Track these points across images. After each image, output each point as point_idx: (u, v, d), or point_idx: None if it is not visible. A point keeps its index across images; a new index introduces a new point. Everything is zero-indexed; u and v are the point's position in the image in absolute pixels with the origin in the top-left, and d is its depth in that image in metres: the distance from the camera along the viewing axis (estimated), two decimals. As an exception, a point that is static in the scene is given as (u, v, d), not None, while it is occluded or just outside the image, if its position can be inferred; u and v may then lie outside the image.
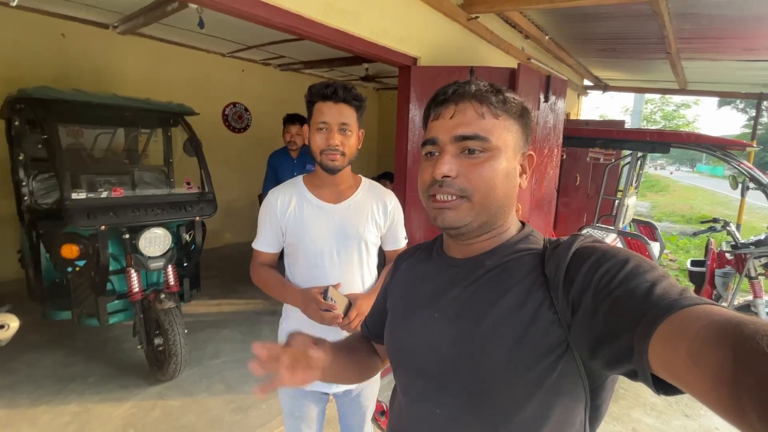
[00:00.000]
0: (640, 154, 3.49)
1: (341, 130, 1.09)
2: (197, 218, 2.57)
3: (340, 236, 1.14)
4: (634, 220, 4.26)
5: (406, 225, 1.34)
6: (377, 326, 0.75)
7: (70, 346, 2.82)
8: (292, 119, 3.00)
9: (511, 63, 3.06)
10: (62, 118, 2.58)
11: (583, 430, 0.53)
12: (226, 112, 5.62)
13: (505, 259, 0.57)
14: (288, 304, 1.21)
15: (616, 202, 4.14)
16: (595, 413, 0.54)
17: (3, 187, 3.59)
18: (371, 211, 1.19)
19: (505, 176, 0.56)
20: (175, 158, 3.37)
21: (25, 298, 3.01)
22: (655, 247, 3.63)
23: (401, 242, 1.29)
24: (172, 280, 2.50)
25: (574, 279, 0.48)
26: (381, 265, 1.29)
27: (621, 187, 4.18)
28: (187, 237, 2.63)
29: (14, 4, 3.58)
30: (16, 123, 2.60)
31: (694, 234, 3.44)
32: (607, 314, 0.43)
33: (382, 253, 1.32)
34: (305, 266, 1.16)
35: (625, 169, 4.08)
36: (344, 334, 1.14)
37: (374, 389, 1.30)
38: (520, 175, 0.59)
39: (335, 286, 1.11)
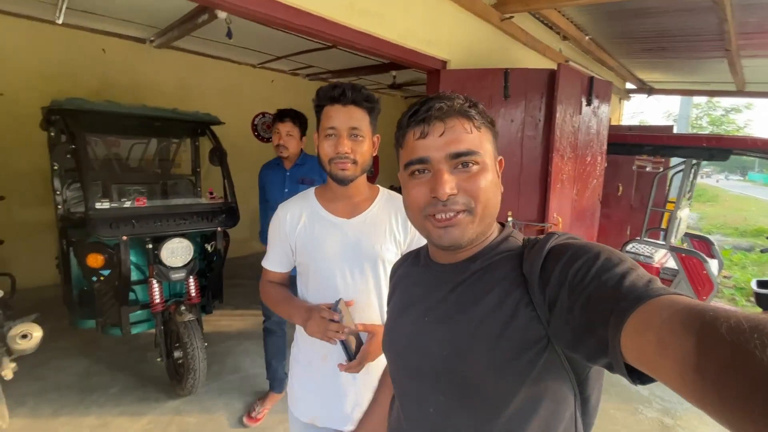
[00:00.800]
0: (694, 161, 3.17)
1: (351, 135, 0.97)
2: (219, 229, 2.52)
3: (354, 254, 1.02)
4: (687, 234, 3.88)
5: None
6: None
7: (95, 354, 2.83)
8: (281, 115, 2.21)
9: (547, 65, 2.86)
10: (91, 128, 2.63)
11: (573, 423, 0.54)
12: (256, 122, 5.69)
13: (488, 261, 0.59)
14: (298, 331, 1.10)
15: (666, 214, 3.79)
16: (585, 407, 0.55)
17: (47, 195, 3.75)
18: (389, 226, 1.05)
19: (495, 185, 0.59)
20: (203, 168, 3.38)
21: (60, 305, 3.07)
22: (713, 265, 3.26)
23: None
24: (193, 292, 2.46)
25: (549, 276, 0.50)
26: None
27: (671, 198, 3.83)
28: (209, 248, 2.59)
29: (60, 21, 3.78)
30: (52, 133, 2.68)
31: (762, 251, 3.05)
32: (583, 310, 0.45)
33: None
34: (317, 287, 1.04)
35: (676, 179, 3.74)
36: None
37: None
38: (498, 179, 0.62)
39: (348, 303, 0.98)
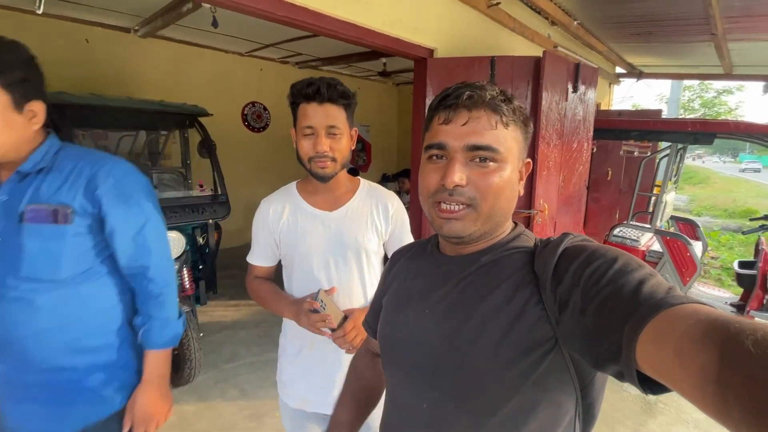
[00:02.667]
0: (680, 146, 3.21)
1: (329, 133, 0.98)
2: (210, 221, 2.54)
3: (337, 246, 1.05)
4: (672, 217, 3.95)
5: (423, 223, 1.22)
6: (376, 323, 0.75)
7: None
8: None
9: (536, 51, 2.86)
10: (78, 123, 2.60)
11: (572, 428, 0.53)
12: (245, 112, 5.64)
13: (497, 257, 0.58)
14: (286, 321, 1.13)
15: (653, 198, 3.85)
16: (586, 414, 0.54)
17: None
18: (371, 217, 1.09)
19: (510, 186, 0.57)
20: (194, 160, 3.37)
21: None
22: (697, 247, 3.34)
23: None
24: (186, 284, 2.49)
25: (562, 277, 0.49)
26: None
27: (657, 181, 3.88)
28: (201, 240, 2.61)
29: (40, 11, 3.69)
30: (38, 128, 2.65)
31: (744, 233, 3.13)
32: (596, 313, 0.44)
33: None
34: (302, 279, 1.07)
35: (662, 163, 3.79)
36: (341, 353, 1.05)
37: (380, 409, 1.19)
38: (519, 182, 0.60)
39: (328, 291, 1.02)
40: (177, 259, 2.40)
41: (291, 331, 1.11)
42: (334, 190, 1.08)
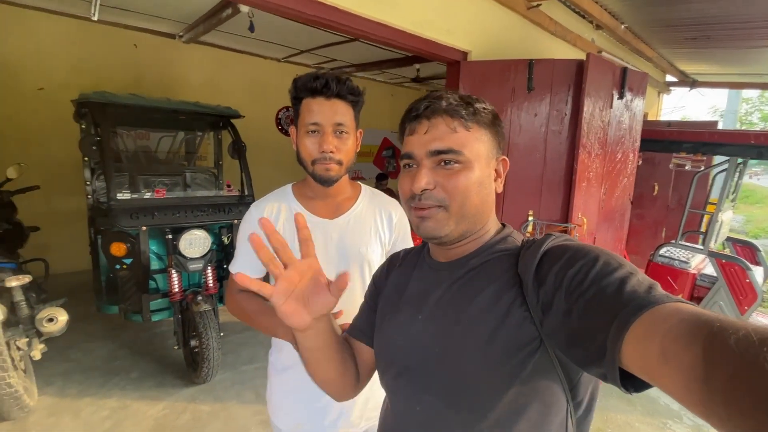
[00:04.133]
0: (740, 160, 2.91)
1: (336, 132, 0.90)
2: (235, 221, 2.55)
3: (338, 257, 0.95)
4: (729, 239, 3.60)
5: None
6: (364, 323, 0.75)
7: (120, 339, 2.96)
8: None
9: (578, 56, 2.70)
10: (116, 121, 2.71)
11: (564, 428, 0.53)
12: (279, 116, 5.75)
13: (484, 260, 0.59)
14: (276, 340, 1.02)
15: (705, 216, 3.52)
16: (578, 411, 0.54)
17: (80, 185, 3.94)
18: (374, 226, 0.99)
19: (479, 185, 0.58)
20: (226, 161, 3.44)
21: (91, 290, 3.22)
22: (757, 273, 3.00)
23: None
24: (210, 282, 2.51)
25: (545, 278, 0.50)
26: None
27: (712, 199, 3.55)
28: (226, 240, 2.63)
29: (95, 18, 3.94)
30: (83, 126, 2.79)
31: (816, 260, 2.78)
32: (580, 315, 0.44)
33: None
34: None
35: (718, 179, 3.46)
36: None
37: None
38: (495, 180, 0.62)
39: (336, 315, 0.91)
40: (203, 257, 2.43)
41: (284, 349, 1.00)
42: (336, 195, 0.99)
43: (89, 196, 2.92)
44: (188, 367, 2.48)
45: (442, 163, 0.57)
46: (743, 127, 14.93)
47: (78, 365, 2.58)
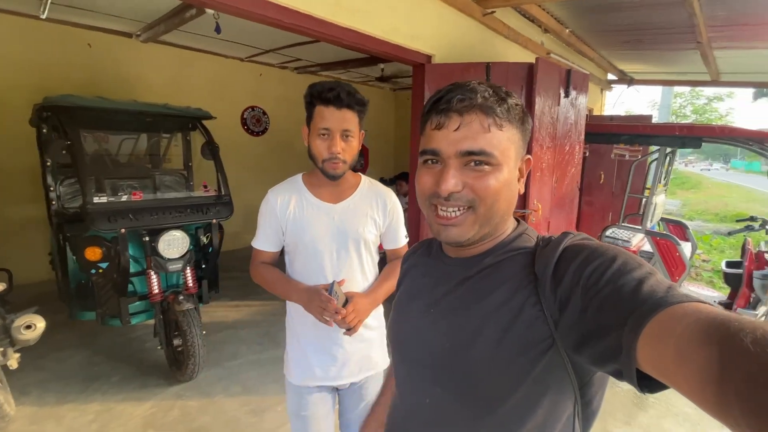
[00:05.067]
0: (669, 149, 3.32)
1: (344, 136, 1.07)
2: (214, 221, 2.60)
3: (339, 236, 1.14)
4: (663, 219, 4.05)
5: (418, 225, 1.32)
6: None
7: (96, 345, 2.91)
8: None
9: (529, 58, 2.97)
10: (85, 125, 2.66)
11: (571, 426, 0.53)
12: (245, 116, 5.71)
13: (499, 258, 0.58)
14: (290, 305, 1.21)
15: (643, 200, 3.95)
16: (585, 411, 0.54)
17: (36, 192, 3.75)
18: (371, 211, 1.19)
19: (508, 187, 0.56)
20: (194, 162, 3.44)
21: (54, 299, 3.13)
22: (686, 248, 3.44)
23: (401, 241, 1.27)
24: (190, 282, 2.54)
25: (562, 277, 0.49)
26: (383, 263, 1.28)
27: (648, 185, 3.99)
28: (204, 239, 2.67)
29: (44, 16, 3.76)
30: (44, 130, 2.71)
31: (730, 233, 3.25)
32: (596, 312, 0.44)
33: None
34: (305, 265, 1.16)
35: (653, 166, 3.89)
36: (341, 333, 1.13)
37: (378, 381, 1.28)
38: (518, 180, 0.59)
39: (339, 283, 1.10)
40: (182, 257, 2.47)
41: (296, 312, 1.19)
42: (339, 184, 1.17)
43: (54, 202, 2.84)
44: (171, 367, 2.51)
45: (472, 164, 0.54)
46: (678, 119, 16.36)
47: (53, 374, 2.53)
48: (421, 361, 0.62)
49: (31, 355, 2.59)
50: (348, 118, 1.06)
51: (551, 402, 0.52)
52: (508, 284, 0.55)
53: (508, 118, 0.55)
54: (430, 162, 0.57)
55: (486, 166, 0.54)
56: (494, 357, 0.52)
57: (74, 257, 2.67)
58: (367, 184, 1.23)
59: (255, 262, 1.22)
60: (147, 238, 2.38)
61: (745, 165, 36.74)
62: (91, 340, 2.98)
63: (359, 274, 1.18)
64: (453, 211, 0.55)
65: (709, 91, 16.13)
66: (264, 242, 1.20)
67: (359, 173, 1.26)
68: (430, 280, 0.66)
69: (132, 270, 2.45)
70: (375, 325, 1.24)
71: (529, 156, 0.61)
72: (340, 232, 1.14)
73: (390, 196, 1.23)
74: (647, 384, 0.40)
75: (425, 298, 0.64)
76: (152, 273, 2.41)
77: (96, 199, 2.18)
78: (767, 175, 3.05)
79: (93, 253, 2.33)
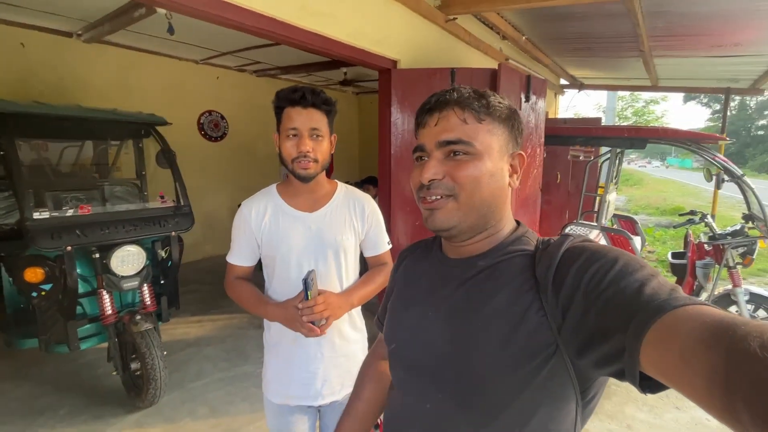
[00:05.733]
0: (619, 150, 3.54)
1: (312, 136, 1.05)
2: (173, 233, 2.44)
3: (317, 245, 1.10)
4: (614, 215, 4.31)
5: (392, 230, 1.30)
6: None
7: (39, 375, 2.63)
8: None
9: (489, 63, 3.06)
10: (21, 133, 2.40)
11: (573, 428, 0.54)
12: (202, 121, 5.45)
13: (497, 260, 0.58)
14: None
15: (597, 198, 4.19)
16: (584, 411, 0.55)
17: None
18: (349, 217, 1.16)
19: (490, 176, 0.57)
20: (148, 171, 3.22)
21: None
22: (636, 241, 3.68)
23: (383, 247, 1.24)
24: (148, 300, 2.37)
25: (564, 281, 0.49)
26: (363, 271, 1.24)
27: (601, 183, 4.24)
28: (163, 253, 2.50)
29: (-33, 12, 3.38)
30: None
31: (674, 227, 3.50)
32: (599, 315, 0.43)
33: (364, 259, 1.26)
34: (284, 277, 1.11)
35: (604, 166, 4.15)
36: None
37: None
38: (511, 175, 0.61)
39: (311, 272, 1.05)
40: (137, 274, 2.29)
41: (273, 327, 1.15)
42: (314, 192, 1.13)
43: (-15, 219, 2.55)
44: (129, 393, 2.32)
45: (452, 154, 0.57)
46: (620, 121, 17.59)
47: (-11, 412, 2.26)
48: (421, 366, 0.60)
49: (-39, 391, 2.31)
50: (315, 118, 1.04)
51: (554, 406, 0.52)
52: (509, 287, 0.54)
53: (489, 113, 0.58)
54: (419, 159, 0.61)
55: (465, 156, 0.56)
56: (498, 362, 0.52)
57: (10, 279, 2.41)
58: (344, 190, 1.19)
59: (230, 277, 1.17)
60: (97, 255, 2.19)
61: (678, 162, 40.29)
62: (34, 370, 2.69)
63: (337, 282, 1.14)
64: (435, 197, 0.57)
65: (646, 94, 17.49)
66: (238, 257, 1.15)
67: (335, 180, 1.22)
68: (428, 282, 0.65)
69: (81, 290, 2.24)
70: (356, 338, 1.21)
71: (521, 152, 0.62)
72: (318, 241, 1.10)
73: (368, 201, 1.20)
74: (648, 384, 0.40)
75: (424, 301, 0.63)
76: (104, 293, 2.22)
77: (36, 215, 1.97)
78: (706, 174, 3.31)
79: (33, 274, 2.11)
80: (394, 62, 2.48)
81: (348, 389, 1.18)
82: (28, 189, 2.28)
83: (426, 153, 0.59)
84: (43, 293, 2.15)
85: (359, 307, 1.21)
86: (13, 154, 2.08)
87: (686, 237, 3.48)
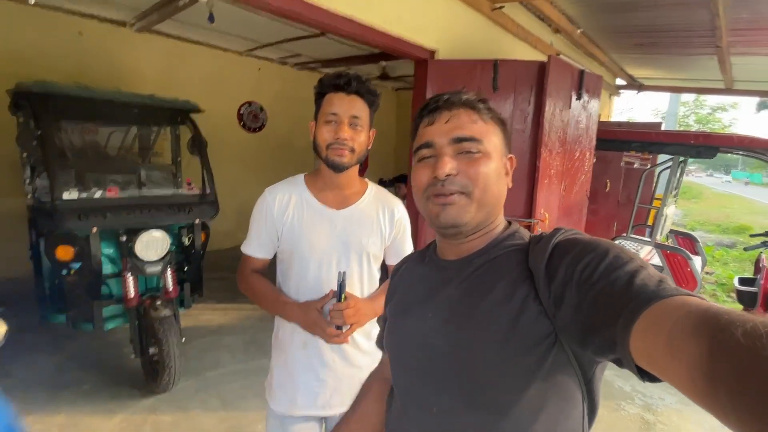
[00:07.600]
0: (681, 159, 3.16)
1: (352, 124, 0.98)
2: (197, 221, 2.43)
3: (341, 246, 1.02)
4: (671, 231, 3.90)
5: (420, 230, 1.17)
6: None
7: (69, 349, 2.74)
8: None
9: (538, 58, 2.80)
10: (60, 114, 2.48)
11: (581, 420, 0.53)
12: (242, 111, 5.55)
13: (493, 256, 0.59)
14: (279, 320, 1.09)
15: (652, 211, 3.79)
16: (590, 406, 0.54)
17: (17, 184, 3.59)
18: (377, 220, 1.07)
19: (497, 175, 0.59)
20: (184, 158, 3.26)
21: (32, 298, 2.95)
22: (696, 262, 3.28)
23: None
24: (170, 286, 2.37)
25: (555, 272, 0.49)
26: (383, 279, 1.15)
27: (657, 195, 3.83)
28: (187, 240, 2.49)
29: (32, 2, 3.59)
30: (20, 119, 2.54)
31: (746, 249, 3.08)
32: (590, 308, 0.44)
33: (384, 267, 1.17)
34: (299, 276, 1.03)
35: (663, 176, 3.74)
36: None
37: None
38: (506, 176, 0.63)
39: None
40: (161, 259, 2.30)
41: (283, 331, 1.07)
42: (344, 188, 1.05)
43: (29, 196, 2.67)
44: (146, 377, 2.34)
45: (464, 152, 0.58)
46: (682, 128, 16.22)
47: (19, 381, 2.36)
48: (423, 369, 0.60)
49: (0, 360, 2.43)
50: (358, 106, 0.98)
51: (561, 399, 0.52)
52: (505, 281, 0.55)
53: (491, 116, 0.62)
54: (424, 158, 0.61)
55: (477, 153, 0.58)
56: (501, 357, 0.52)
57: (46, 255, 2.51)
58: (374, 191, 1.11)
59: (244, 269, 1.10)
60: (124, 238, 2.21)
61: (748, 176, 36.60)
62: (65, 344, 2.80)
63: (358, 290, 1.05)
64: (452, 192, 0.57)
65: (712, 100, 15.99)
66: (256, 248, 1.07)
67: (366, 179, 1.13)
68: (425, 287, 0.65)
69: (108, 271, 2.28)
70: (369, 349, 1.10)
71: (512, 155, 0.65)
72: (342, 241, 1.03)
73: (398, 205, 1.12)
74: (648, 373, 0.39)
75: (423, 304, 0.63)
76: (128, 275, 2.24)
77: (66, 195, 2.01)
78: None
79: (64, 252, 2.16)
80: (432, 52, 2.31)
81: None
82: (66, 169, 2.36)
83: (434, 150, 0.60)
84: (72, 271, 2.20)
85: (375, 318, 1.12)
86: (49, 135, 2.14)
87: (758, 261, 3.04)
